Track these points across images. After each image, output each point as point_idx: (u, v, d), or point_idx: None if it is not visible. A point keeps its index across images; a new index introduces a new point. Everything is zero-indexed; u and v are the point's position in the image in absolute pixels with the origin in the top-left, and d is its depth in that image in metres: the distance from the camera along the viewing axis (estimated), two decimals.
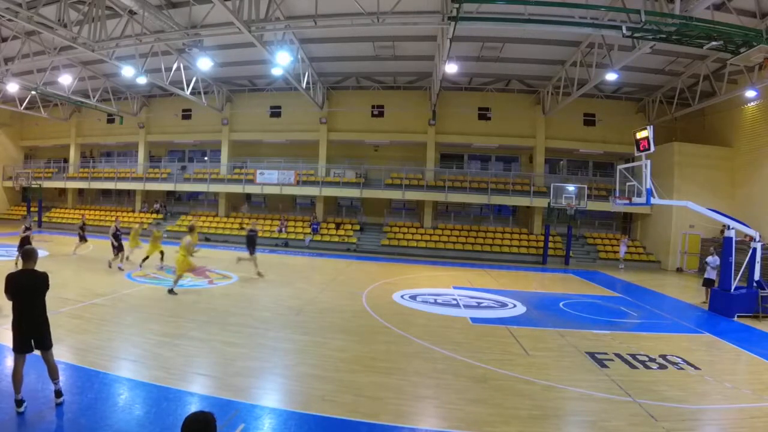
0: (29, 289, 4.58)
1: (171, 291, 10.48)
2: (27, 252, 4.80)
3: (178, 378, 5.72)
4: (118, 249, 13.74)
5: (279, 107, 26.07)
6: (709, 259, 12.83)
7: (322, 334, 8.09)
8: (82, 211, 29.07)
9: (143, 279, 12.34)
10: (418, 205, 25.20)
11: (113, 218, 26.34)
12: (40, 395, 4.66)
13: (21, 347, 4.51)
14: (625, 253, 20.92)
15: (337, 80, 24.28)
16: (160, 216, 27.28)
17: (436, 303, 11.22)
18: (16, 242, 17.93)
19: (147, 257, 13.84)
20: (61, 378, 4.83)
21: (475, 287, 13.82)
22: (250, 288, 12.20)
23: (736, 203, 19.36)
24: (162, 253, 14.15)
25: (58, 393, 4.71)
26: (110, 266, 13.47)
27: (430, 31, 16.61)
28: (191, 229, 11.37)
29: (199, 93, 22.70)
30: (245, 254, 14.21)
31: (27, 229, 13.18)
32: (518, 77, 22.42)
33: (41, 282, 4.67)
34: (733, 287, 11.13)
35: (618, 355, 7.45)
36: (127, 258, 14.27)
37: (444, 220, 25.29)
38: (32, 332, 4.56)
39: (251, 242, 14.13)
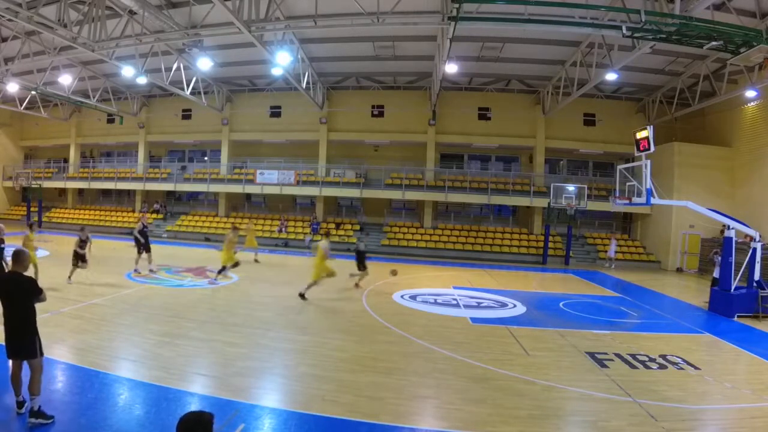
0: (11, 293, 4.38)
1: (302, 295, 10.76)
2: (15, 254, 4.56)
3: (178, 378, 5.72)
4: (145, 249, 13.18)
5: (279, 107, 26.07)
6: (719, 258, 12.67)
7: (322, 334, 8.10)
8: (88, 210, 29.04)
9: (143, 279, 12.34)
10: (418, 205, 25.20)
11: (121, 218, 26.32)
12: (40, 395, 4.64)
13: (8, 352, 4.41)
14: (615, 252, 20.84)
15: (337, 80, 24.28)
16: (160, 216, 27.29)
17: (436, 303, 11.22)
18: (17, 243, 17.98)
19: (237, 264, 12.84)
20: (52, 393, 4.53)
21: (475, 287, 13.82)
22: (250, 288, 12.20)
23: (736, 203, 19.35)
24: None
25: (32, 411, 4.28)
26: (136, 269, 12.92)
27: (430, 31, 16.60)
28: (327, 234, 11.74)
29: (199, 93, 22.70)
30: (355, 271, 12.84)
31: (83, 241, 11.93)
32: (518, 77, 22.42)
33: (24, 287, 4.42)
34: (733, 287, 11.13)
35: (618, 355, 7.45)
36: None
37: (444, 220, 25.29)
38: (14, 338, 4.37)
39: (361, 257, 12.90)
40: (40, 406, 4.33)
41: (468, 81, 23.25)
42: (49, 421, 4.29)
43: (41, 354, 4.45)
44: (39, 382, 4.39)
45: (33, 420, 4.27)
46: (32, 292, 4.45)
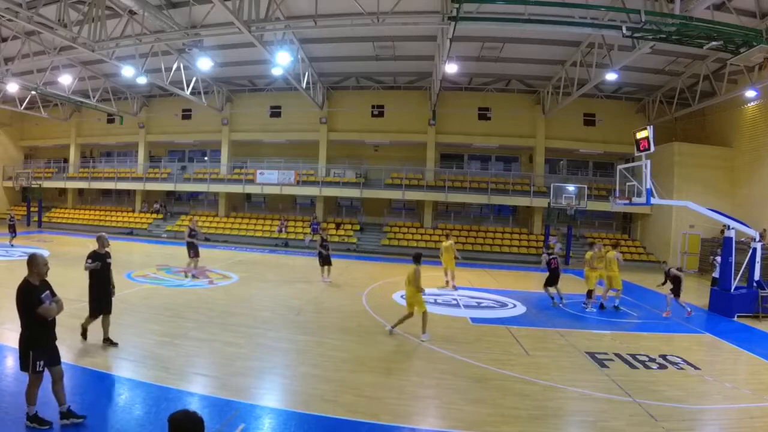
0: (16, 303, 4.29)
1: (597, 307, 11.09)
2: (27, 258, 4.44)
3: (178, 378, 5.73)
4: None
5: (279, 107, 26.06)
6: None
7: (322, 334, 8.10)
8: (88, 210, 29.00)
9: (143, 279, 12.34)
10: (418, 205, 25.19)
11: (118, 218, 26.28)
12: (41, 395, 4.64)
13: None
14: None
15: (337, 80, 24.28)
16: (160, 216, 27.29)
17: (436, 303, 11.20)
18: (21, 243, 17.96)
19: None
20: (52, 394, 4.44)
21: (475, 287, 13.81)
22: (250, 288, 12.20)
23: (736, 203, 19.35)
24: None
25: (28, 417, 4.29)
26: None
27: (430, 31, 16.59)
28: (616, 245, 11.91)
29: (199, 93, 22.69)
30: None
31: (192, 231, 12.97)
32: (518, 77, 22.41)
33: (18, 297, 4.26)
34: (733, 287, 11.12)
35: (618, 355, 7.45)
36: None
37: (444, 220, 25.28)
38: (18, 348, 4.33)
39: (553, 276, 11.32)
40: (36, 413, 4.33)
41: (468, 81, 23.25)
42: (45, 427, 4.27)
43: (34, 370, 4.27)
44: (32, 394, 4.32)
45: (28, 423, 4.28)
46: (25, 304, 4.24)
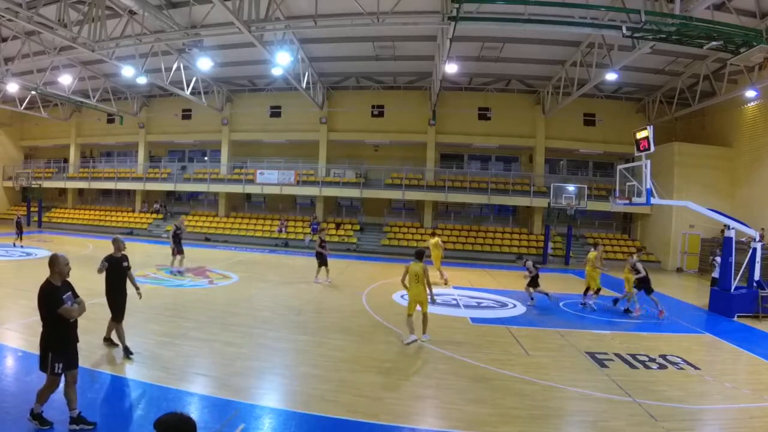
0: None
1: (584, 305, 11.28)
2: (49, 258, 4.39)
3: (178, 378, 5.73)
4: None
5: (279, 107, 26.06)
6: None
7: (321, 334, 8.10)
8: (88, 210, 29.00)
9: (143, 279, 12.32)
10: (418, 205, 25.19)
11: (118, 218, 26.29)
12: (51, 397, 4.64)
13: None
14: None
15: (337, 80, 24.28)
16: (160, 216, 27.29)
17: (435, 303, 11.19)
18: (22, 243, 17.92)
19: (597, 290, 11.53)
20: (53, 393, 4.41)
21: (475, 287, 13.82)
22: (250, 288, 12.20)
23: (736, 203, 19.35)
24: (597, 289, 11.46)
25: (32, 413, 4.29)
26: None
27: (430, 31, 16.59)
28: (594, 246, 12.08)
29: (199, 93, 22.69)
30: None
31: (178, 229, 13.70)
32: (518, 77, 22.41)
33: (41, 295, 4.23)
34: (733, 287, 11.13)
35: (618, 355, 7.45)
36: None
37: (444, 220, 25.28)
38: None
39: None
40: (42, 412, 4.34)
41: (468, 81, 23.25)
42: (46, 427, 4.29)
43: (52, 372, 4.22)
44: (45, 396, 4.32)
45: (29, 419, 4.29)
46: (47, 304, 4.19)
